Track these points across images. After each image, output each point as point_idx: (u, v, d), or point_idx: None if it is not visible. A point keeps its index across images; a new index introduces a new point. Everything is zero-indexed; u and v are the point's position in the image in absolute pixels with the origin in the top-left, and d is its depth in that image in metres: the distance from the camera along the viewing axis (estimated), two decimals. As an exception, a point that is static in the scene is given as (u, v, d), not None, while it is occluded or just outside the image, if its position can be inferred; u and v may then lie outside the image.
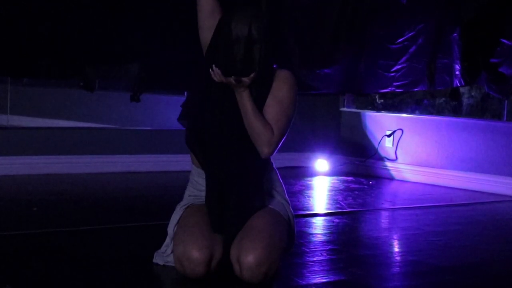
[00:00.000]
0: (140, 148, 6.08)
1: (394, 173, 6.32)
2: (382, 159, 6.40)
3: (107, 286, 2.90)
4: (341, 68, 4.97)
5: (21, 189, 5.05)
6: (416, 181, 6.12)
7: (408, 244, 4.00)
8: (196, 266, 2.89)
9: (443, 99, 6.47)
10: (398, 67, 4.99)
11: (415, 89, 5.26)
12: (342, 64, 4.95)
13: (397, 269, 3.44)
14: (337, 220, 4.46)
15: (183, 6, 4.11)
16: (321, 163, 6.66)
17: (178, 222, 3.08)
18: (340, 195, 5.42)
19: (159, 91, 5.89)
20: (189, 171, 3.23)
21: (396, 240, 4.14)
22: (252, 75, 2.89)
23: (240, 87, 2.92)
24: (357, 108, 6.89)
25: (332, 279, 3.12)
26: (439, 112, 6.60)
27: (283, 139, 3.02)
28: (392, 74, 5.00)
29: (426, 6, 4.99)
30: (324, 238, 3.98)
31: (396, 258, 3.68)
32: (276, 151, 3.01)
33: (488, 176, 5.78)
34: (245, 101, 2.94)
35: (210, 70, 2.89)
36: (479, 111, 6.43)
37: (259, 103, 3.00)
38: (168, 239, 3.12)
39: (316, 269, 3.26)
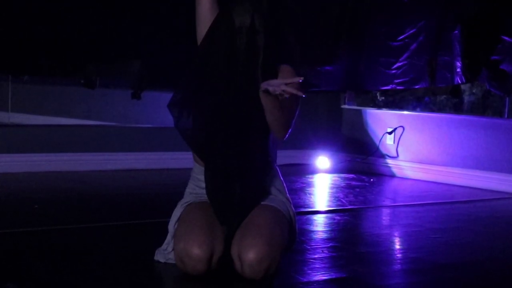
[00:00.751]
0: (141, 145, 6.08)
1: (395, 170, 6.31)
2: (383, 156, 6.40)
3: (108, 283, 2.90)
4: (342, 66, 4.98)
5: (22, 186, 5.05)
6: (417, 178, 6.12)
7: (409, 241, 4.00)
8: (197, 263, 2.89)
9: (444, 96, 6.47)
10: (399, 64, 4.99)
11: (416, 86, 5.26)
12: (343, 61, 4.96)
13: (398, 266, 3.44)
14: (338, 218, 4.45)
15: (183, 5, 4.11)
16: (322, 161, 6.65)
17: (179, 219, 3.08)
18: (341, 192, 5.42)
19: (160, 89, 5.88)
20: (190, 169, 3.23)
21: (397, 238, 4.14)
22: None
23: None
24: (358, 105, 6.89)
25: (333, 277, 3.12)
26: (440, 109, 6.60)
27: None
28: (393, 71, 5.00)
29: (427, 3, 4.99)
30: (325, 235, 3.98)
31: (397, 255, 3.68)
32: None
33: (489, 174, 5.78)
34: (267, 99, 2.89)
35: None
36: (480, 108, 6.43)
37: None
38: (169, 237, 3.12)
39: (317, 266, 3.26)
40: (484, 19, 4.92)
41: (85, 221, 4.00)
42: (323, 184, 5.94)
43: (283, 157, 5.97)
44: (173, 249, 3.04)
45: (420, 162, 6.15)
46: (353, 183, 5.89)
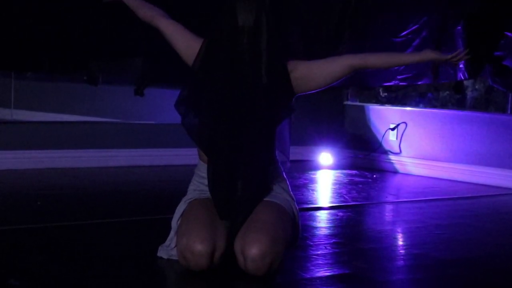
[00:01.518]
0: (144, 142, 6.08)
1: (398, 166, 6.31)
2: (386, 152, 6.39)
3: (111, 280, 2.91)
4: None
5: (25, 183, 5.06)
6: (420, 174, 6.12)
7: (412, 237, 4.00)
8: (199, 259, 2.89)
9: (447, 92, 6.47)
10: (402, 60, 4.98)
11: (419, 82, 5.26)
12: (345, 57, 4.95)
13: (401, 262, 3.44)
14: (341, 214, 4.45)
15: (186, 1, 4.11)
16: (325, 157, 6.65)
17: (182, 216, 3.08)
18: (344, 188, 5.42)
19: (163, 86, 5.88)
20: (193, 165, 3.23)
21: (400, 234, 4.13)
22: None
23: None
24: (360, 101, 6.89)
25: (336, 273, 3.12)
26: (443, 105, 6.60)
27: None
28: (396, 67, 5.00)
29: (430, -1, 4.99)
30: (328, 231, 3.98)
31: (400, 251, 3.68)
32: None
33: (492, 169, 5.77)
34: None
35: None
36: (483, 104, 6.42)
37: (275, 96, 2.99)
38: (172, 233, 3.12)
39: (320, 262, 3.26)
40: (487, 15, 4.92)
41: (88, 217, 4.01)
42: (326, 181, 5.94)
43: (286, 153, 5.91)
44: (176, 246, 3.04)
45: (423, 158, 6.14)
46: (356, 179, 5.88)
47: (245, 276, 2.91)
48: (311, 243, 3.60)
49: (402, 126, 6.34)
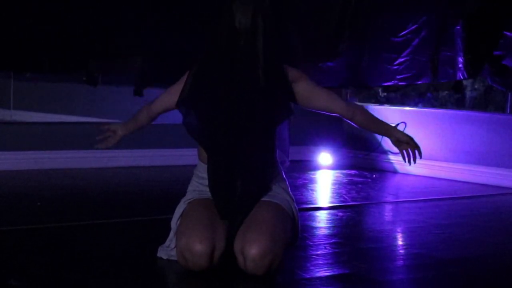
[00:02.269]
0: (144, 142, 6.07)
1: (397, 166, 6.31)
2: (385, 152, 6.39)
3: (111, 280, 2.91)
4: (344, 62, 4.98)
5: (25, 184, 5.06)
6: (419, 174, 6.12)
7: (412, 237, 4.00)
8: (199, 259, 2.89)
9: (446, 92, 6.46)
10: (401, 60, 4.99)
11: (418, 82, 5.26)
12: (345, 57, 4.96)
13: (401, 262, 3.44)
14: (340, 214, 4.46)
15: (185, 1, 4.10)
16: (325, 157, 6.65)
17: (181, 216, 3.08)
18: (343, 188, 5.42)
19: (162, 86, 5.88)
20: (192, 166, 3.23)
21: (400, 233, 4.14)
22: None
23: None
24: (360, 101, 6.89)
25: (336, 273, 3.12)
26: (442, 105, 6.59)
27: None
28: (395, 67, 5.00)
29: (429, -2, 4.99)
30: (328, 231, 3.98)
31: (400, 251, 3.68)
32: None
33: (492, 169, 5.77)
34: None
35: None
36: (483, 103, 6.42)
37: (273, 97, 2.99)
38: (171, 234, 3.12)
39: (320, 262, 3.26)
40: (486, 14, 4.92)
41: (88, 218, 4.01)
42: (325, 180, 5.94)
43: (285, 153, 5.91)
44: (175, 246, 3.04)
45: (423, 158, 6.13)
46: (356, 179, 5.89)
47: (244, 276, 2.91)
48: (311, 243, 3.60)
49: (401, 126, 6.32)
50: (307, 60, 4.84)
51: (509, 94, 5.86)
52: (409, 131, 6.37)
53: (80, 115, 6.80)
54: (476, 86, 6.38)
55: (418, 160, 3.33)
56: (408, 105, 6.62)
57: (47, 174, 5.45)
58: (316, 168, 6.44)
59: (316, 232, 3.93)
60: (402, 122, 6.31)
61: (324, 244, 3.63)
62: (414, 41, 4.95)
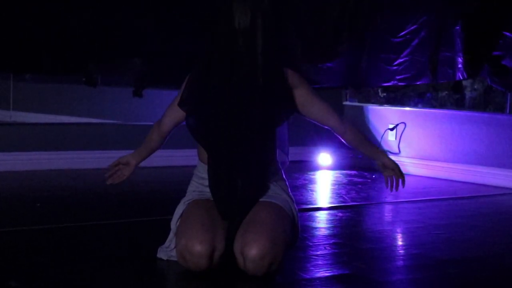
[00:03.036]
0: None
1: (397, 166, 6.30)
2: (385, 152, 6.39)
3: (111, 281, 2.91)
4: (343, 62, 4.98)
5: (24, 185, 5.06)
6: (419, 174, 6.12)
7: (411, 237, 4.00)
8: (198, 259, 2.89)
9: (446, 92, 6.47)
10: (401, 60, 4.99)
11: (418, 83, 5.26)
12: (344, 58, 4.96)
13: (400, 263, 3.44)
14: (340, 214, 4.46)
15: (185, 3, 4.10)
16: (324, 157, 6.65)
17: (181, 217, 3.08)
18: (343, 189, 5.42)
19: (161, 87, 5.88)
20: (192, 166, 3.23)
21: (399, 234, 4.14)
22: None
23: None
24: (359, 102, 6.89)
25: (336, 273, 3.12)
26: (441, 105, 6.59)
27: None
28: (395, 67, 5.00)
29: (428, -1, 4.99)
30: (328, 232, 3.98)
31: (400, 251, 3.68)
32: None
33: (491, 169, 5.77)
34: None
35: None
36: (482, 104, 6.42)
37: (272, 98, 2.99)
38: (171, 234, 3.12)
39: (320, 263, 3.26)
40: (486, 15, 4.92)
41: (87, 219, 4.01)
42: (325, 181, 5.94)
43: (285, 153, 5.91)
44: (175, 247, 3.04)
45: (422, 158, 6.15)
46: (355, 179, 5.89)
47: (244, 276, 2.91)
48: (311, 244, 3.60)
49: (401, 126, 6.35)
50: (307, 61, 4.84)
51: (509, 94, 5.86)
52: (409, 131, 6.39)
53: (80, 116, 6.80)
54: (475, 87, 6.38)
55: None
56: (408, 105, 6.62)
57: (46, 175, 5.45)
58: (315, 168, 6.44)
59: (316, 232, 3.93)
60: (402, 122, 6.34)
61: (324, 244, 3.63)
62: (413, 41, 4.95)
